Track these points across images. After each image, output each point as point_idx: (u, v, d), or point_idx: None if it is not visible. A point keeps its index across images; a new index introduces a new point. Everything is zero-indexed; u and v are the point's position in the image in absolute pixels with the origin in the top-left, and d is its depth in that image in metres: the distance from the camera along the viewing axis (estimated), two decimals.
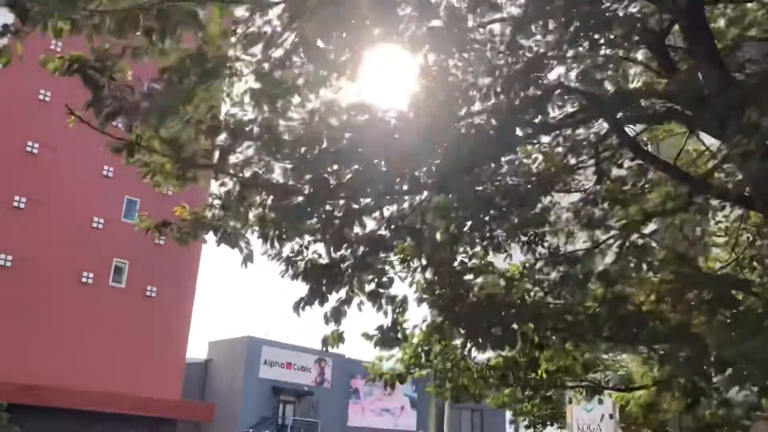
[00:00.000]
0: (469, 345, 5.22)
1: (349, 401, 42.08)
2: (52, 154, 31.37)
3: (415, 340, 6.42)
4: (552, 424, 20.27)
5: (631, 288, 5.59)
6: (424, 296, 5.41)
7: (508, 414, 50.48)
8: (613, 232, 5.57)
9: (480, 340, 4.98)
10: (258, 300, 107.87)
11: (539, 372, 6.74)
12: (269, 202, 5.80)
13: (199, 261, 35.79)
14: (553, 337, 5.86)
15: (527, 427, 20.97)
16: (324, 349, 6.08)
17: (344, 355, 42.96)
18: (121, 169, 33.97)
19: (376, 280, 5.69)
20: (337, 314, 5.73)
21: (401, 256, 5.79)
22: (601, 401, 10.37)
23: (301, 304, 5.75)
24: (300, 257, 6.05)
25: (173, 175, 5.79)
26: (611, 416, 13.48)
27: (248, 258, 6.33)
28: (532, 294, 5.65)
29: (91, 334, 30.49)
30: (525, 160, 5.79)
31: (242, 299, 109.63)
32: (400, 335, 5.52)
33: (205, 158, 5.82)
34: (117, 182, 33.08)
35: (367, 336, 6.24)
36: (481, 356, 6.45)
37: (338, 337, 5.90)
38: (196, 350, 68.07)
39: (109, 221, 32.56)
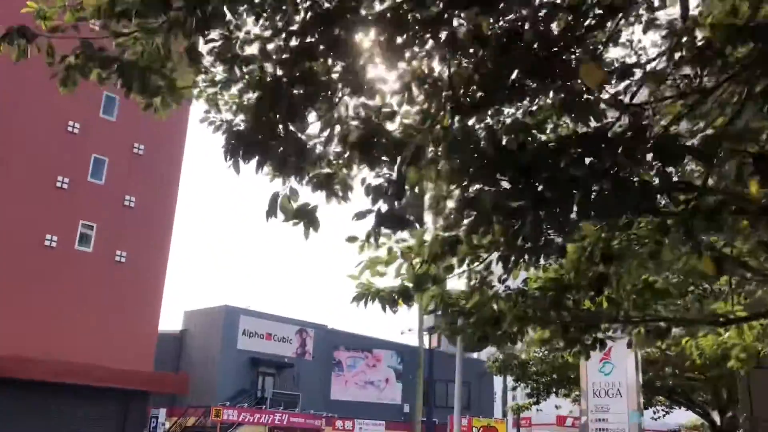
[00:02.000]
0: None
1: (331, 374, 40.44)
2: (12, 109, 29.07)
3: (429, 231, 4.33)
4: (557, 392, 18.66)
5: None
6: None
7: (498, 386, 49.51)
8: None
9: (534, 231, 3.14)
10: (237, 270, 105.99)
11: (599, 300, 4.95)
12: None
13: (172, 225, 33.72)
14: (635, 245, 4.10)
15: (529, 395, 19.30)
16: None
17: (327, 326, 41.40)
18: (88, 125, 32.00)
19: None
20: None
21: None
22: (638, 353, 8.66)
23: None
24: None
25: None
26: (637, 373, 11.80)
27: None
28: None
29: (55, 301, 28.42)
30: None
31: (221, 269, 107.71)
32: (411, 216, 3.64)
33: None
34: (83, 139, 30.90)
35: (350, 239, 4.37)
36: (514, 280, 4.63)
37: None
38: (171, 321, 66.60)
39: (74, 181, 30.36)
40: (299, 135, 3.94)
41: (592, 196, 2.85)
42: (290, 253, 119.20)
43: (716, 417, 17.21)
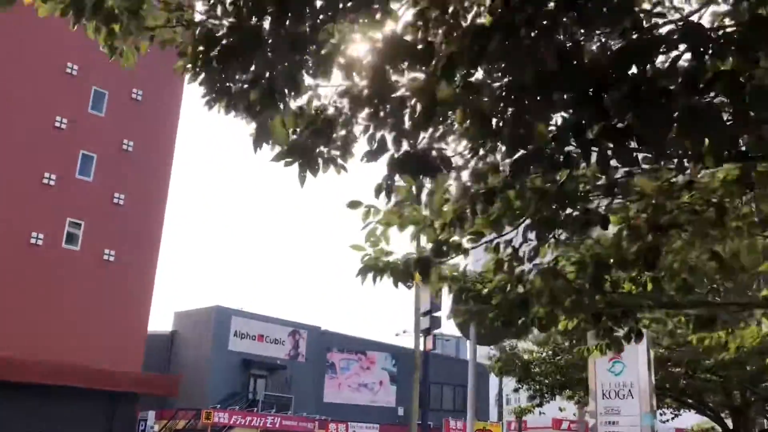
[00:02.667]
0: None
1: (324, 376, 39.68)
2: None
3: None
4: (560, 393, 17.99)
5: None
6: None
7: (493, 389, 49.03)
8: None
9: None
10: (229, 271, 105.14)
11: (644, 279, 4.29)
12: None
13: (162, 223, 32.99)
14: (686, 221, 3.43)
15: (531, 397, 18.63)
16: None
17: (320, 328, 40.68)
18: (76, 121, 31.23)
19: None
20: None
21: None
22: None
23: None
24: None
25: None
26: (650, 369, 11.15)
27: None
28: None
29: (40, 301, 27.63)
30: None
31: (212, 269, 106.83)
32: (437, 157, 2.91)
33: None
34: (71, 135, 30.14)
35: (353, 204, 3.63)
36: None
37: None
38: (162, 322, 65.72)
39: (61, 178, 29.58)
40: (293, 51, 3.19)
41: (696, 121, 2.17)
42: (283, 252, 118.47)
43: (729, 420, 16.63)
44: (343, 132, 3.38)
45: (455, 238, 3.65)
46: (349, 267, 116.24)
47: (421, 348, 31.97)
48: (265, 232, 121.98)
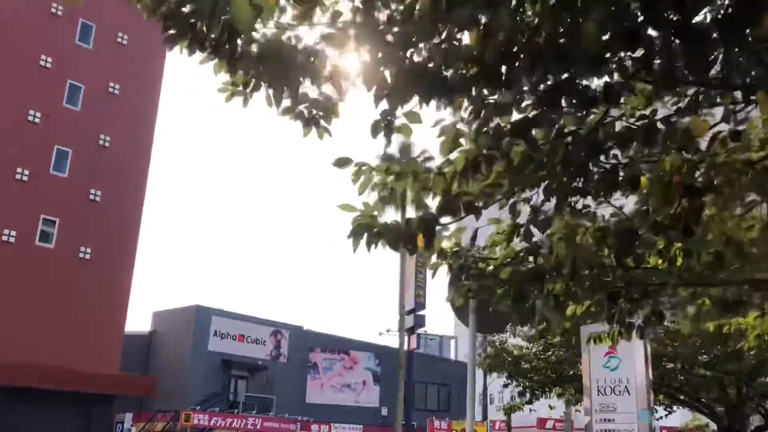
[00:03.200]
0: None
1: (307, 376, 39.04)
2: None
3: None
4: (550, 391, 17.47)
5: None
6: None
7: (479, 388, 48.88)
8: None
9: None
10: (209, 271, 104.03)
11: (675, 249, 3.75)
12: None
13: (140, 220, 32.18)
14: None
15: (521, 393, 18.10)
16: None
17: (302, 327, 40.05)
18: (51, 115, 30.36)
19: None
20: None
21: None
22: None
23: None
24: None
25: None
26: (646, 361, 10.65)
27: None
28: None
29: (13, 299, 26.76)
30: None
31: (192, 269, 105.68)
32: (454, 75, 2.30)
33: None
34: (45, 130, 29.28)
35: (340, 162, 3.00)
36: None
37: None
38: (140, 322, 64.66)
39: (35, 173, 28.70)
40: None
41: None
42: (265, 252, 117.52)
43: (724, 416, 16.25)
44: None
45: (474, 188, 3.04)
46: (332, 265, 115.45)
47: (405, 347, 31.51)
48: (246, 231, 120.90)
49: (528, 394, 17.03)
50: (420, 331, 41.49)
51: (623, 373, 11.14)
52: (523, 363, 16.58)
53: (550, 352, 16.06)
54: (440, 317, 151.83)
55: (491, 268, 3.97)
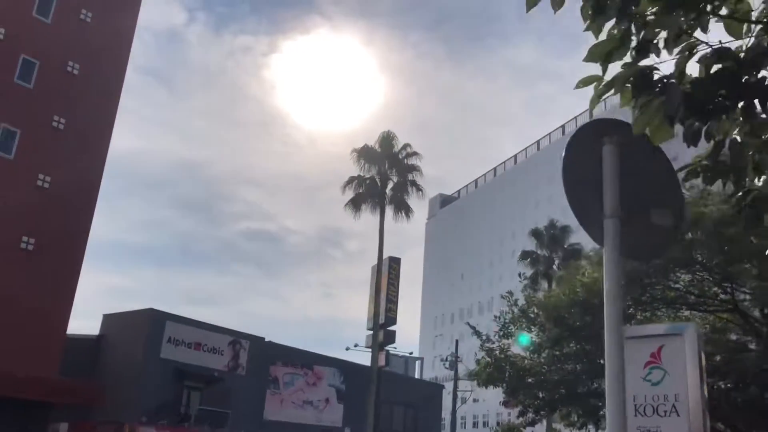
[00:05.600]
0: None
1: (266, 391, 36.32)
2: None
3: None
4: (560, 410, 15.22)
5: None
6: None
7: (446, 411, 46.50)
8: None
9: None
10: (167, 271, 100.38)
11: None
12: None
13: (92, 212, 29.50)
14: None
15: (522, 413, 15.77)
16: None
17: (264, 338, 37.39)
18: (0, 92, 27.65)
19: None
20: None
21: None
22: None
23: None
24: None
25: None
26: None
27: None
28: None
29: None
30: None
31: (149, 272, 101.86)
32: None
33: None
34: None
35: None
36: None
37: None
38: (89, 325, 61.08)
39: None
40: None
41: None
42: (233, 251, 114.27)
43: None
44: None
45: None
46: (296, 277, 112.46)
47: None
48: (211, 226, 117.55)
49: (532, 413, 14.66)
50: (390, 347, 39.20)
51: (670, 388, 8.87)
52: (528, 377, 14.19)
53: (568, 364, 13.58)
54: (406, 335, 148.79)
55: None
